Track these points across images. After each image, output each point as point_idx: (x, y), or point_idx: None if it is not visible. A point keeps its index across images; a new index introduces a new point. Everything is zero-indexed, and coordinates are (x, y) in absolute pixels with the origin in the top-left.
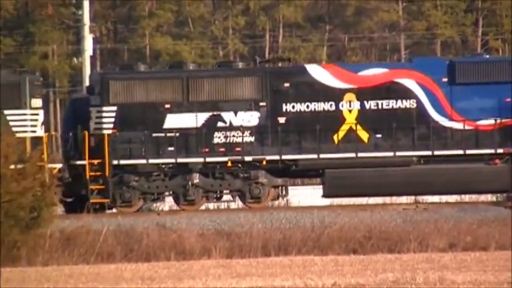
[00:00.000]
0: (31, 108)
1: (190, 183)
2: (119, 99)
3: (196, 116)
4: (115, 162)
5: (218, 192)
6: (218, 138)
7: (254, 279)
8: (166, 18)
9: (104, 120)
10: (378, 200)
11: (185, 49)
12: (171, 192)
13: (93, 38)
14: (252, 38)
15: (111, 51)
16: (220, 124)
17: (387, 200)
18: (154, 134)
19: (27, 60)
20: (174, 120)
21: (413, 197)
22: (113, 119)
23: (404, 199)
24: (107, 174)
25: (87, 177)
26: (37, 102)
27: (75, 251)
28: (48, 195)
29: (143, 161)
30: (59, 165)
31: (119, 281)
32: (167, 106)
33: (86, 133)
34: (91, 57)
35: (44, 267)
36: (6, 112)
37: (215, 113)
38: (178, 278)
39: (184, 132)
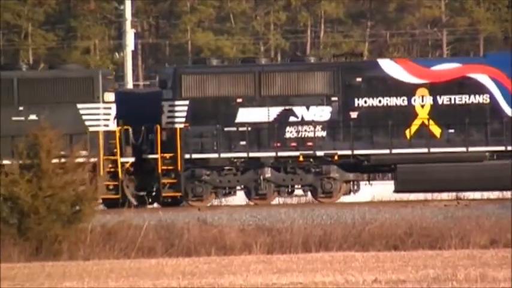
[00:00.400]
0: (104, 102)
1: (262, 177)
2: (191, 93)
3: (268, 110)
4: (187, 156)
5: (290, 186)
6: (290, 132)
7: (295, 275)
8: (208, 14)
9: (176, 114)
10: (419, 196)
11: (227, 44)
12: (242, 187)
13: (135, 33)
14: (294, 33)
15: (152, 46)
16: (292, 119)
17: (428, 196)
18: (226, 128)
19: (69, 55)
20: (246, 115)
21: (454, 194)
22: (185, 113)
23: (445, 195)
24: (179, 168)
25: (159, 171)
26: (110, 96)
27: (116, 245)
28: (89, 190)
29: (215, 155)
30: (131, 159)
31: (160, 276)
32: (239, 100)
33: (158, 127)
34: (133, 52)
35: (85, 262)
36: (79, 106)
37: (287, 107)
38: (219, 273)
39: (256, 126)
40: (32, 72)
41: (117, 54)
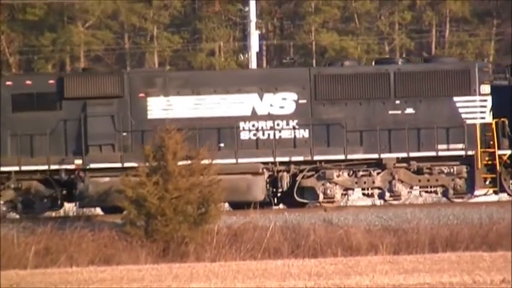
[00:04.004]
0: (480, 94)
1: None
2: None
3: None
4: None
5: None
6: None
7: (422, 276)
8: (332, 14)
9: None
10: None
11: (351, 45)
12: None
13: (260, 35)
14: (418, 32)
15: (277, 47)
16: None
17: None
18: None
19: (195, 57)
20: None
21: None
22: None
23: None
24: None
25: None
26: (486, 88)
27: (242, 246)
28: (216, 192)
29: None
30: (508, 152)
31: (286, 277)
32: None
33: None
34: (257, 53)
35: (211, 263)
36: (455, 99)
37: None
38: (346, 274)
39: None
40: (408, 65)
41: (241, 55)
